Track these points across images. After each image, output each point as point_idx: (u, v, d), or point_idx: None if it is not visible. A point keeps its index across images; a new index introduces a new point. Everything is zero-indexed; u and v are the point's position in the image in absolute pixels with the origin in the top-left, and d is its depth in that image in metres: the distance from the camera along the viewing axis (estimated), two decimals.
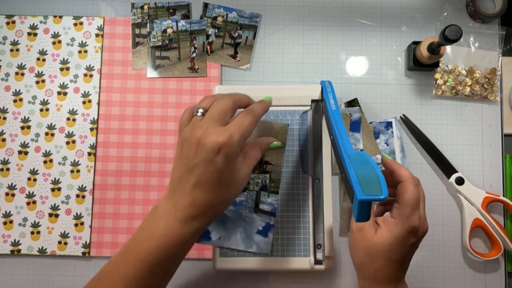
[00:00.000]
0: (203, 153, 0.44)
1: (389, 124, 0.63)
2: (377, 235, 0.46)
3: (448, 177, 0.61)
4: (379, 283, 0.46)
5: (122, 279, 0.44)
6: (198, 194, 0.45)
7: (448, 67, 0.64)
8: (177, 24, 0.65)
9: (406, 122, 0.63)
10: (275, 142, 0.56)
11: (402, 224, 0.45)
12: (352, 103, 0.63)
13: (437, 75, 0.64)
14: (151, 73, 0.64)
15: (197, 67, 0.64)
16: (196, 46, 0.64)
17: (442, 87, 0.64)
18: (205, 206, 0.46)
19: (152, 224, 0.46)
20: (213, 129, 0.44)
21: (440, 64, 0.64)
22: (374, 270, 0.46)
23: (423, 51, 0.60)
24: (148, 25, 0.65)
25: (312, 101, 0.59)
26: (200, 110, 0.46)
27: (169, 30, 0.65)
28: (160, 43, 0.64)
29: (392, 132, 0.63)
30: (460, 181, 0.61)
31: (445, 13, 0.65)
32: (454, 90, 0.64)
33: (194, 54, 0.64)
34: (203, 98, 0.48)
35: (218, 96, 0.47)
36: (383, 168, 0.48)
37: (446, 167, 0.62)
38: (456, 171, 0.61)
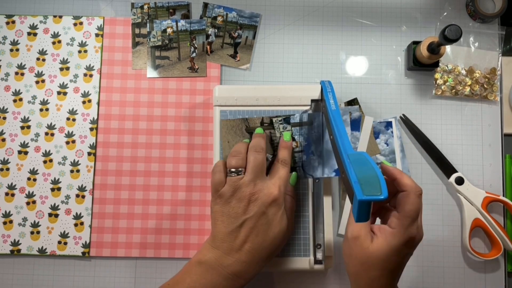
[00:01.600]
0: (256, 207, 0.48)
1: (389, 124, 0.63)
2: (374, 244, 0.44)
3: (448, 177, 0.61)
4: None
5: None
6: (247, 248, 0.48)
7: (448, 67, 0.64)
8: (177, 24, 0.65)
9: (406, 122, 0.63)
10: (292, 177, 0.56)
11: (400, 235, 0.44)
12: (352, 102, 0.63)
13: (437, 75, 0.64)
14: (151, 73, 0.64)
15: (197, 67, 0.64)
16: (196, 46, 0.64)
17: (442, 87, 0.64)
18: (252, 261, 0.48)
19: (196, 278, 0.47)
20: (262, 184, 0.49)
21: (440, 64, 0.64)
22: (369, 279, 0.45)
23: (423, 51, 0.60)
24: (148, 25, 0.65)
25: (312, 101, 0.59)
26: (233, 170, 0.50)
27: (169, 30, 0.65)
28: (160, 43, 0.64)
29: (392, 132, 0.63)
30: (460, 181, 0.61)
31: (445, 13, 0.65)
32: (454, 90, 0.64)
33: (194, 54, 0.64)
34: (229, 158, 0.51)
35: (242, 150, 0.52)
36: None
37: (446, 167, 0.62)
38: (456, 171, 0.61)
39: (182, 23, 0.65)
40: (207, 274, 0.47)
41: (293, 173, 0.56)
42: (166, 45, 0.64)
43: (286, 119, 0.57)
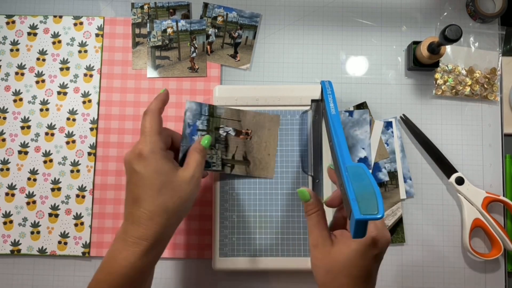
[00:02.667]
0: (126, 168, 0.47)
1: (389, 124, 0.63)
2: (335, 250, 0.43)
3: (448, 177, 0.61)
4: None
5: None
6: (134, 210, 0.45)
7: (448, 67, 0.64)
8: (177, 24, 0.65)
9: (406, 122, 0.63)
10: (205, 137, 0.52)
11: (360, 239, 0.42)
12: (361, 106, 0.63)
13: (437, 75, 0.64)
14: (151, 73, 0.64)
15: (197, 67, 0.64)
16: (196, 46, 0.64)
17: (442, 87, 0.64)
18: (144, 218, 0.45)
19: (110, 251, 0.46)
20: (130, 149, 0.47)
21: (440, 64, 0.64)
22: None
23: (423, 51, 0.60)
24: (148, 25, 0.65)
25: (312, 101, 0.59)
26: None
27: (169, 30, 0.65)
28: (160, 43, 0.64)
29: (392, 132, 0.63)
30: (460, 181, 0.61)
31: (445, 13, 0.65)
32: (454, 90, 0.64)
33: (194, 54, 0.64)
34: None
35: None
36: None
37: (446, 167, 0.62)
38: (456, 171, 0.61)
39: (182, 23, 0.65)
40: (116, 244, 0.46)
41: (207, 135, 0.52)
42: (166, 45, 0.64)
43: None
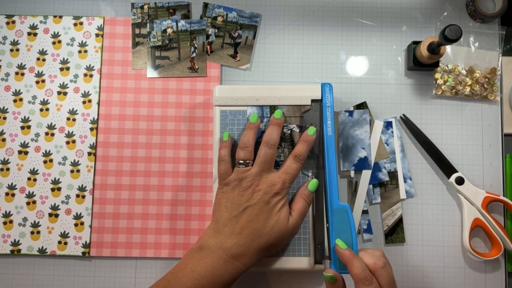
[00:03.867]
0: (259, 196, 0.51)
1: (389, 124, 0.63)
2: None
3: (448, 177, 0.61)
4: None
5: None
6: (246, 233, 0.50)
7: (448, 67, 0.64)
8: (177, 24, 0.65)
9: (406, 122, 0.63)
10: (312, 183, 0.56)
11: None
12: (361, 106, 0.63)
13: (437, 75, 0.64)
14: (151, 73, 0.64)
15: (197, 67, 0.64)
16: (196, 46, 0.65)
17: (442, 87, 0.64)
18: (250, 246, 0.50)
19: (198, 262, 0.49)
20: (267, 176, 0.52)
21: (440, 64, 0.64)
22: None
23: (423, 51, 0.60)
24: (148, 25, 0.65)
25: (312, 101, 0.59)
26: (241, 162, 0.53)
27: (169, 30, 0.65)
28: (160, 43, 0.64)
29: (392, 132, 0.63)
30: (460, 181, 0.61)
31: (445, 13, 0.65)
32: (454, 90, 0.64)
33: (194, 54, 0.64)
34: (238, 149, 0.54)
35: (251, 142, 0.54)
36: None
37: (446, 167, 0.62)
38: (456, 171, 0.61)
39: (182, 23, 0.65)
40: (207, 257, 0.49)
41: (314, 180, 0.56)
42: (166, 45, 0.65)
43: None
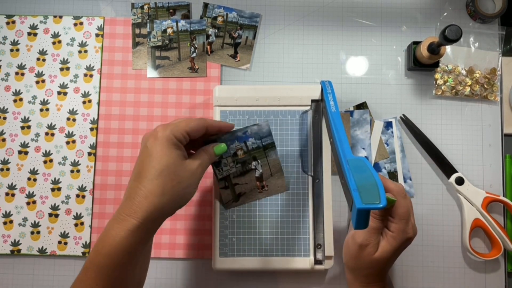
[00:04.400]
0: (141, 145, 0.48)
1: (389, 124, 0.63)
2: (379, 250, 0.50)
3: (448, 177, 0.61)
4: (369, 285, 0.52)
5: None
6: (133, 185, 0.46)
7: (448, 67, 0.64)
8: (177, 24, 0.65)
9: (406, 122, 0.63)
10: (218, 146, 0.53)
11: (399, 237, 0.49)
12: (361, 106, 0.63)
13: (437, 75, 0.64)
14: (151, 73, 0.64)
15: (197, 67, 0.64)
16: (196, 46, 0.64)
17: (442, 87, 0.64)
18: (139, 194, 0.44)
19: (100, 234, 0.45)
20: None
21: (440, 64, 0.64)
22: (365, 276, 0.52)
23: (423, 51, 0.60)
24: (148, 25, 0.65)
25: (312, 101, 0.59)
26: None
27: (169, 30, 0.65)
28: (160, 43, 0.64)
29: (392, 132, 0.63)
30: (460, 181, 0.61)
31: (445, 13, 0.65)
32: (454, 90, 0.64)
33: (194, 54, 0.64)
34: None
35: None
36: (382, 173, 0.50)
37: (446, 167, 0.62)
38: (456, 171, 0.61)
39: (182, 23, 0.65)
40: (109, 222, 0.45)
41: (223, 144, 0.53)
42: (166, 45, 0.64)
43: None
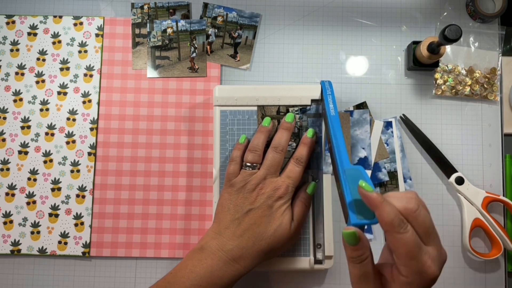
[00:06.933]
0: (262, 199, 0.51)
1: (389, 124, 0.63)
2: None
3: (448, 177, 0.61)
4: None
5: None
6: (248, 236, 0.50)
7: (448, 67, 0.64)
8: (177, 24, 0.65)
9: (406, 122, 0.63)
10: (310, 186, 0.56)
11: (417, 282, 0.36)
12: (361, 106, 0.63)
13: (437, 75, 0.64)
14: (151, 73, 0.64)
15: (197, 67, 0.64)
16: (196, 46, 0.65)
17: (442, 87, 0.64)
18: (251, 249, 0.50)
19: (197, 263, 0.49)
20: (271, 179, 0.52)
21: (440, 64, 0.64)
22: None
23: (423, 51, 0.60)
24: (148, 25, 0.65)
25: (312, 101, 0.59)
26: (248, 164, 0.53)
27: (169, 30, 0.65)
28: (160, 43, 0.64)
29: (392, 132, 0.63)
30: (460, 181, 0.61)
31: (445, 13, 0.65)
32: (454, 90, 0.64)
33: (194, 54, 0.64)
34: (247, 152, 0.54)
35: (260, 146, 0.54)
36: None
37: (446, 167, 0.62)
38: (456, 171, 0.61)
39: (182, 23, 0.65)
40: (207, 258, 0.49)
41: (312, 183, 0.56)
42: (166, 45, 0.64)
43: (303, 109, 0.58)
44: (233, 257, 0.49)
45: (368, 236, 0.61)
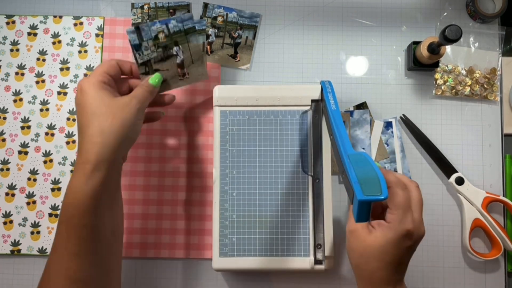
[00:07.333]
0: (76, 107, 0.50)
1: (389, 124, 0.63)
2: (371, 237, 0.46)
3: (448, 177, 0.61)
4: (375, 285, 0.46)
5: (68, 254, 0.46)
6: (79, 139, 0.48)
7: (448, 67, 0.64)
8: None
9: (406, 122, 0.63)
10: (151, 77, 0.54)
11: (395, 228, 0.45)
12: (361, 106, 0.63)
13: (437, 75, 0.64)
14: None
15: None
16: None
17: (442, 87, 0.64)
18: (85, 143, 0.47)
19: (65, 190, 0.48)
20: None
21: (440, 64, 0.64)
22: (369, 272, 0.46)
23: (423, 51, 0.60)
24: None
25: (312, 101, 0.59)
26: None
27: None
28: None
29: (392, 132, 0.63)
30: (460, 181, 0.61)
31: (445, 13, 0.65)
32: (454, 90, 0.64)
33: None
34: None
35: None
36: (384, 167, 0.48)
37: (446, 167, 0.62)
38: (456, 171, 0.61)
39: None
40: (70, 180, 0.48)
41: (156, 74, 0.55)
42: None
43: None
44: (77, 162, 0.48)
45: None
